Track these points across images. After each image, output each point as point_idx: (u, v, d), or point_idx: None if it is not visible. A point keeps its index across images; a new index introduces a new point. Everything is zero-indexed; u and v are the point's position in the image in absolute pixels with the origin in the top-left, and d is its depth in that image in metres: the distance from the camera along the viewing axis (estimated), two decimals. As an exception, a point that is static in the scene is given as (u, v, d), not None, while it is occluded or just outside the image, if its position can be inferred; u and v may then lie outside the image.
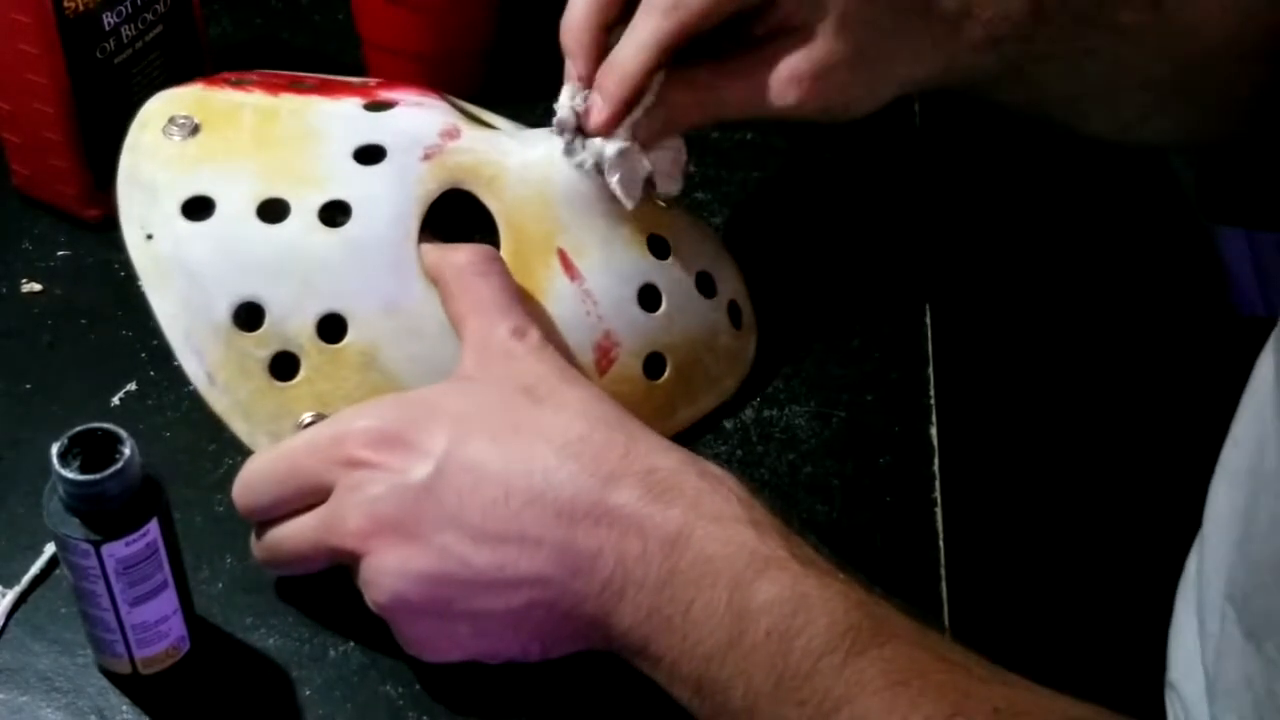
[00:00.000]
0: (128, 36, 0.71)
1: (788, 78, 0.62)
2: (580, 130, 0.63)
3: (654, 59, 0.61)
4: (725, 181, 0.77)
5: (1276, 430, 0.56)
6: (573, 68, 0.63)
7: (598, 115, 0.61)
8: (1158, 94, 0.70)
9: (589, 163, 0.62)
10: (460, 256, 0.58)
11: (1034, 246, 0.95)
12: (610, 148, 0.62)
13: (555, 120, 0.63)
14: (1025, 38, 0.65)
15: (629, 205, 0.63)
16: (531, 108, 0.80)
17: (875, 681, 0.47)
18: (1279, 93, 0.69)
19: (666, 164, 0.65)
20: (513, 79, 0.81)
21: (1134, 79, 0.69)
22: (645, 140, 0.62)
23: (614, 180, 0.62)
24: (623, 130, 0.62)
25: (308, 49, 0.85)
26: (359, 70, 0.79)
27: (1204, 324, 0.94)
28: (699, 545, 0.50)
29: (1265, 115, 0.70)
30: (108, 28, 0.69)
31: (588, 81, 0.63)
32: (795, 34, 0.63)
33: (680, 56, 0.63)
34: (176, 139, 0.60)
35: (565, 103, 0.63)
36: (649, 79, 0.62)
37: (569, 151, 0.62)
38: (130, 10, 0.70)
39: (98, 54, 0.69)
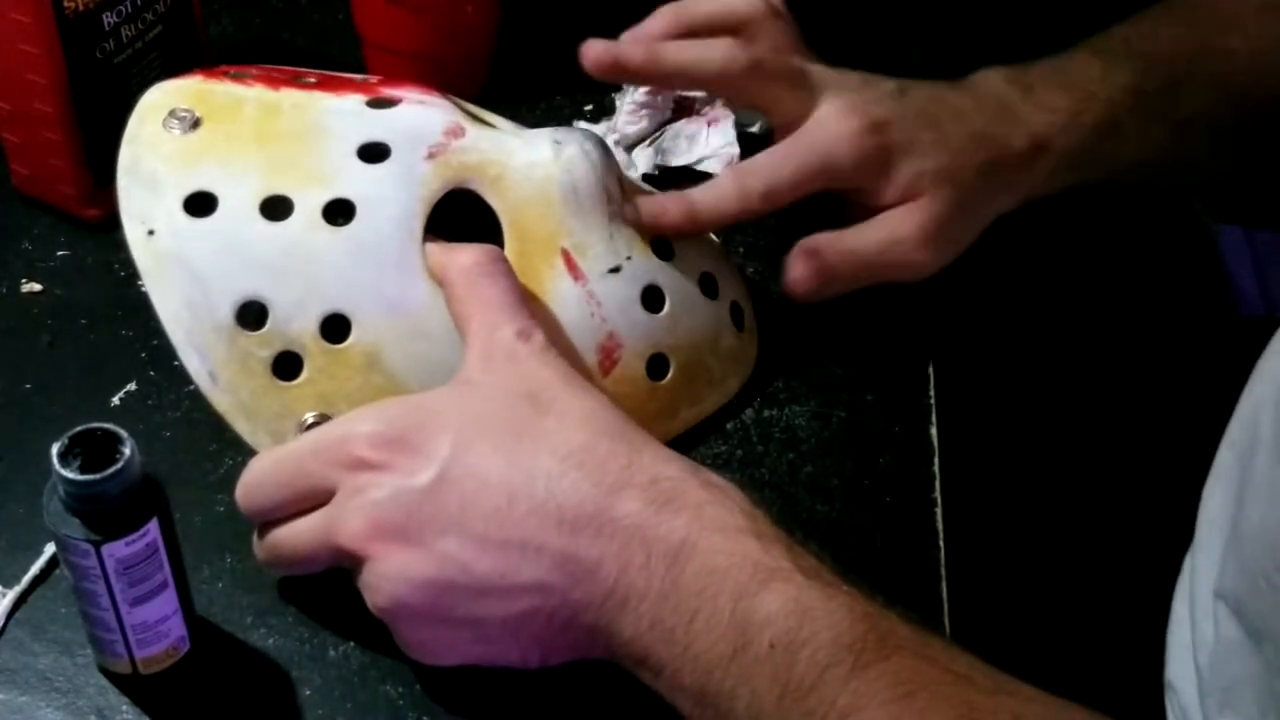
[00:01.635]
0: (127, 36, 0.71)
1: (920, 238, 0.66)
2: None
3: (722, 222, 0.67)
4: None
5: (1268, 433, 0.56)
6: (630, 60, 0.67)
7: (652, 219, 0.64)
8: (1223, 146, 0.73)
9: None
10: (466, 257, 0.58)
11: (1034, 246, 0.95)
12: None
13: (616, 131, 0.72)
14: (1091, 154, 0.69)
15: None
16: (531, 108, 0.81)
17: (881, 694, 0.47)
18: None
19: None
20: (513, 79, 0.81)
21: (1203, 150, 0.72)
22: (797, 289, 0.66)
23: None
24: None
25: (308, 49, 0.85)
26: (359, 70, 0.79)
27: (1204, 324, 0.94)
28: (702, 556, 0.50)
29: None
30: (108, 28, 0.69)
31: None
32: (904, 204, 0.66)
33: None
34: (177, 132, 0.60)
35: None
36: (701, 232, 0.67)
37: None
38: (130, 10, 0.70)
39: (98, 54, 0.69)
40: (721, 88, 0.71)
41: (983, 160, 0.67)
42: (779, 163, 0.66)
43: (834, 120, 0.66)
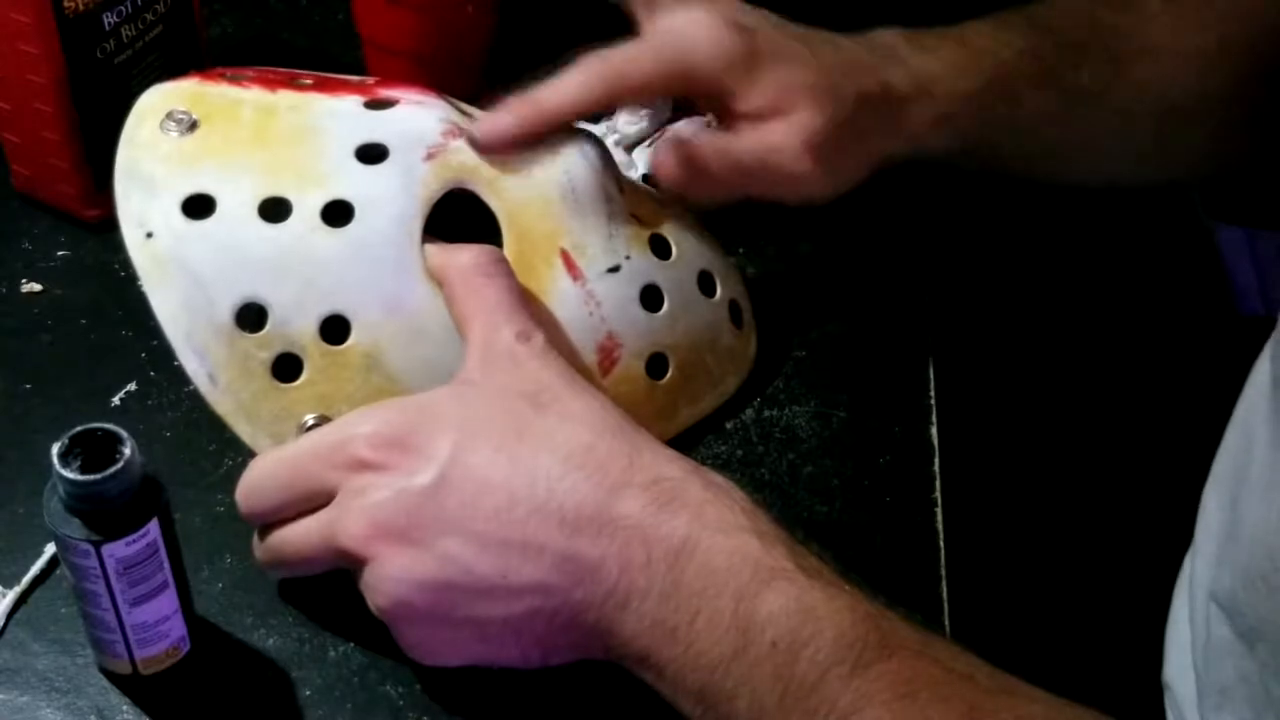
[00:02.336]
0: (128, 36, 0.71)
1: (800, 145, 0.64)
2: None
3: (569, 111, 0.63)
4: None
5: (1263, 436, 0.56)
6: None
7: (492, 127, 0.61)
8: (1139, 145, 0.72)
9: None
10: (465, 257, 0.58)
11: (1034, 246, 0.95)
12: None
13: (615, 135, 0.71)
14: (981, 110, 0.67)
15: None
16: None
17: (883, 694, 0.47)
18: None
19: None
20: (513, 79, 0.81)
21: (1106, 136, 0.71)
22: (665, 178, 0.65)
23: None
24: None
25: (308, 49, 0.85)
26: (359, 70, 0.79)
27: (1204, 324, 0.94)
28: (704, 556, 0.50)
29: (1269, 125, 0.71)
30: (108, 28, 0.69)
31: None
32: (776, 115, 0.64)
33: None
34: (174, 134, 0.60)
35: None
36: (550, 126, 0.63)
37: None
38: (130, 10, 0.70)
39: (98, 54, 0.69)
40: None
41: (860, 90, 0.65)
42: (632, 53, 0.64)
43: (696, 19, 0.64)
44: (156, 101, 0.61)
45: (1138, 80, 0.69)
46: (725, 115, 0.66)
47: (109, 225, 0.65)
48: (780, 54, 0.65)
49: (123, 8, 0.70)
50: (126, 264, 0.60)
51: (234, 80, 0.62)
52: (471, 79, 0.80)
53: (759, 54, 0.64)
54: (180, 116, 0.60)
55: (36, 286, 0.71)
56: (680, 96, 0.67)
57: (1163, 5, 0.70)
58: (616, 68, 0.63)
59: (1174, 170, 0.75)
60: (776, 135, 0.64)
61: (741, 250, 0.74)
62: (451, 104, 0.64)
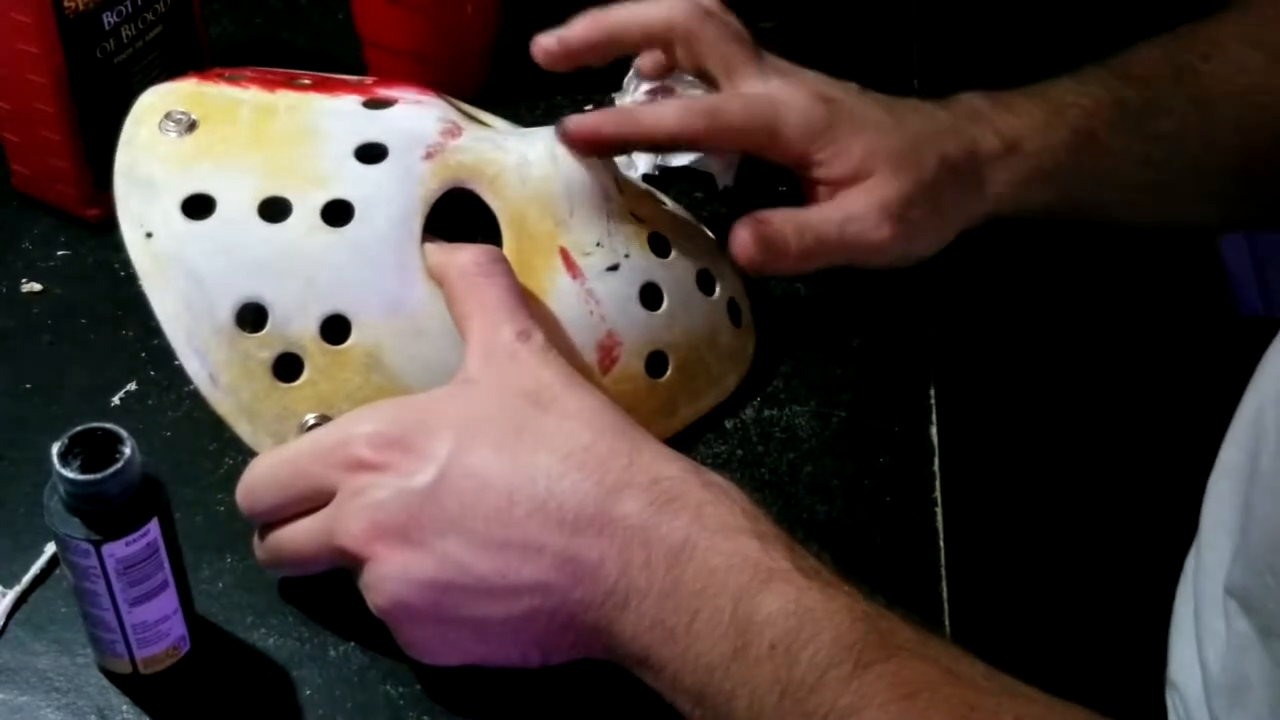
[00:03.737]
0: (128, 36, 0.71)
1: (879, 212, 0.64)
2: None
3: (662, 138, 0.65)
4: (724, 181, 0.77)
5: (1274, 430, 0.56)
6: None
7: (585, 122, 0.62)
8: (1222, 188, 0.72)
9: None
10: (465, 257, 0.58)
11: (1034, 247, 0.95)
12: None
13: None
14: (1068, 162, 0.68)
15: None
16: (531, 108, 0.81)
17: (882, 695, 0.47)
18: None
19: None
20: (513, 79, 0.81)
21: (1190, 181, 0.72)
22: (747, 263, 0.65)
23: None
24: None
25: (308, 49, 0.85)
26: (359, 70, 0.79)
27: (1204, 324, 0.94)
28: (703, 557, 0.50)
29: None
30: (108, 28, 0.69)
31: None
32: (856, 182, 0.65)
33: None
34: (173, 135, 0.60)
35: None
36: (641, 143, 0.66)
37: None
38: (130, 10, 0.70)
39: (98, 54, 0.69)
40: (671, 39, 0.67)
41: (943, 155, 0.66)
42: (727, 99, 0.66)
43: (785, 87, 0.65)
44: (155, 102, 0.61)
45: (1221, 125, 0.70)
46: (807, 185, 0.67)
47: (109, 225, 0.65)
48: (863, 121, 0.65)
49: (123, 8, 0.70)
50: (126, 264, 0.60)
51: (233, 80, 0.62)
52: (471, 79, 0.80)
53: (842, 122, 0.65)
54: (179, 117, 0.60)
55: (36, 286, 0.71)
56: (760, 156, 0.67)
57: (1248, 51, 0.71)
58: (715, 107, 0.65)
59: (1258, 212, 0.75)
60: (856, 204, 0.65)
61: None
62: (451, 104, 0.64)
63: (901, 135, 0.66)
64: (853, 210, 0.65)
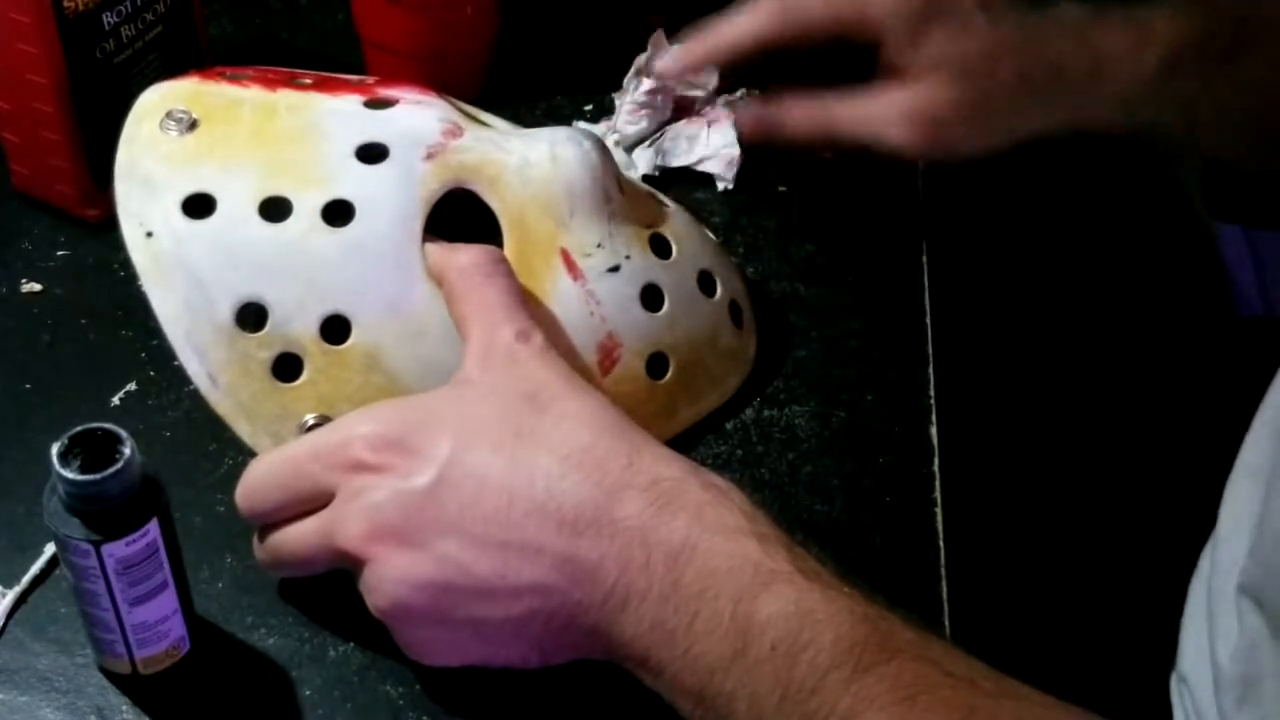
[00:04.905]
0: (127, 36, 0.71)
1: (901, 116, 0.64)
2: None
3: (747, 44, 0.65)
4: (725, 181, 0.77)
5: None
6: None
7: (670, 61, 0.65)
8: None
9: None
10: (465, 257, 0.58)
11: (1034, 246, 0.95)
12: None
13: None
14: (1155, 93, 0.66)
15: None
16: (531, 108, 0.81)
17: (882, 697, 0.47)
18: None
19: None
20: (513, 79, 0.81)
21: (1273, 119, 0.69)
22: (744, 126, 0.66)
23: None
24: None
25: (308, 49, 0.85)
26: (359, 71, 0.79)
27: (1204, 324, 0.94)
28: (703, 558, 0.50)
29: None
30: (108, 28, 0.69)
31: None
32: (915, 79, 0.64)
33: None
34: (174, 134, 0.60)
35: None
36: (728, 58, 0.66)
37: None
38: (130, 10, 0.70)
39: (97, 54, 0.69)
40: None
41: (1025, 69, 0.64)
42: None
43: None
44: (156, 101, 0.61)
45: None
46: (884, 70, 0.66)
47: (109, 225, 0.65)
48: (957, 20, 0.64)
49: (123, 8, 0.70)
50: (126, 264, 0.60)
51: (234, 79, 0.62)
52: (471, 79, 0.80)
53: (936, 12, 0.64)
54: (180, 116, 0.60)
55: (36, 286, 0.71)
56: (849, 38, 0.66)
57: None
58: (791, 2, 0.65)
59: None
60: (891, 106, 0.64)
61: (742, 250, 0.74)
62: (451, 104, 0.64)
63: (985, 40, 0.64)
64: (881, 112, 0.64)
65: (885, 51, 0.65)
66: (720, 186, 0.77)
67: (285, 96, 0.62)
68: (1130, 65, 0.66)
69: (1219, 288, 0.94)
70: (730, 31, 0.65)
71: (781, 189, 0.77)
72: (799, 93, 0.65)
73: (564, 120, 0.80)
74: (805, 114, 0.66)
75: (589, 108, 0.81)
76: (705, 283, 0.66)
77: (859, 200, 0.78)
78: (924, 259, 0.75)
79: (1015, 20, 0.66)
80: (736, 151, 0.76)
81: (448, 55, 0.78)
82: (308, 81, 0.63)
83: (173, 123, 0.60)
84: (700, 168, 0.77)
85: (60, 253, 0.72)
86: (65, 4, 0.66)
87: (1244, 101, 0.69)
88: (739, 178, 0.77)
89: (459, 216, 0.61)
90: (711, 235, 0.71)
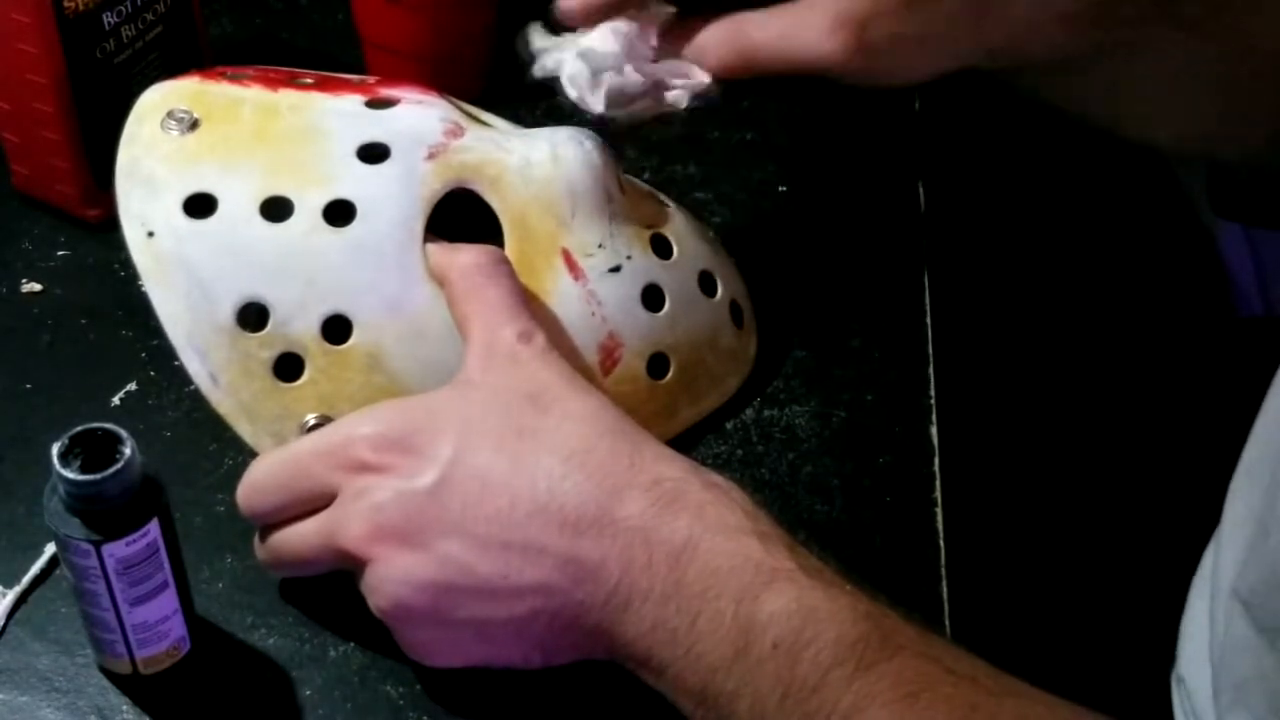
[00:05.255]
0: (128, 36, 0.71)
1: (829, 24, 0.58)
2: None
3: None
4: (725, 181, 0.77)
5: None
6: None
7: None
8: (1229, 100, 0.66)
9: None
10: (467, 258, 0.58)
11: (1034, 246, 0.95)
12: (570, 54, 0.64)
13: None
14: (1092, 22, 0.61)
15: (594, 108, 0.63)
16: (531, 108, 0.80)
17: (884, 695, 0.47)
18: None
19: (679, 76, 0.63)
20: (513, 79, 0.81)
21: (1196, 81, 0.66)
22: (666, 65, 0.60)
23: (566, 79, 0.63)
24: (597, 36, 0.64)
25: (308, 49, 0.85)
26: (359, 70, 0.79)
27: (1204, 324, 0.94)
28: (705, 557, 0.50)
29: None
30: (108, 28, 0.69)
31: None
32: None
33: None
34: (175, 133, 0.60)
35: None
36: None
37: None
38: (130, 10, 0.70)
39: (98, 54, 0.69)
40: None
41: None
42: None
43: None
44: (157, 100, 0.61)
45: (1243, 30, 0.62)
46: None
47: (109, 225, 0.65)
48: None
49: (123, 8, 0.70)
50: (127, 264, 0.60)
51: (235, 79, 0.62)
52: (471, 79, 0.80)
53: None
54: (181, 115, 0.60)
55: (36, 286, 0.71)
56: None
57: None
58: None
59: (1254, 139, 0.69)
60: (810, 13, 0.59)
61: (741, 249, 0.74)
62: (452, 103, 0.64)
63: None
64: (802, 19, 0.59)
65: None
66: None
67: (286, 96, 0.62)
68: None
69: (1219, 288, 0.94)
70: None
71: (782, 189, 0.77)
72: (710, 14, 0.60)
73: (565, 120, 0.79)
74: (721, 39, 0.60)
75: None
76: (706, 283, 0.66)
77: (859, 200, 0.78)
78: (924, 259, 0.75)
79: None
80: (707, 79, 0.65)
81: (448, 55, 0.78)
82: (309, 81, 0.63)
83: (174, 122, 0.60)
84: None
85: (60, 253, 0.72)
86: (65, 4, 0.66)
87: (1168, 58, 0.63)
88: (739, 178, 0.77)
89: (460, 216, 0.61)
90: (712, 235, 0.71)
